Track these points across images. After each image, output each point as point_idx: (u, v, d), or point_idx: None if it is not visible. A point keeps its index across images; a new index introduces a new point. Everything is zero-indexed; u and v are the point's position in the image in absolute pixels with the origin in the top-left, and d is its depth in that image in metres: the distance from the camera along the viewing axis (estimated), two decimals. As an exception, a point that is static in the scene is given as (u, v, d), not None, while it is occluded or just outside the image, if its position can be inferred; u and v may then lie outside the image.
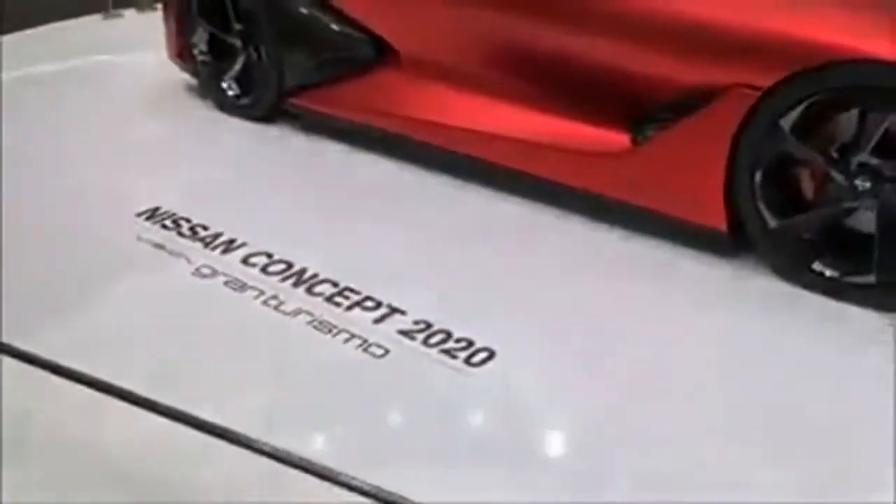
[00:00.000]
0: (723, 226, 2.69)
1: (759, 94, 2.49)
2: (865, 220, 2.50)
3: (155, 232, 3.00)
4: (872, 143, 2.40)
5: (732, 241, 2.71)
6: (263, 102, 3.90)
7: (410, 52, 3.50)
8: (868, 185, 2.44)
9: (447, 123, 3.34)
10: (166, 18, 4.20)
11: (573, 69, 3.03)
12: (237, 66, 3.97)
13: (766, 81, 2.47)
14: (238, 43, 3.95)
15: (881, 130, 2.37)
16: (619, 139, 2.95)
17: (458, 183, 3.32)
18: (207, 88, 4.11)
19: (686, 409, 2.13)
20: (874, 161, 2.42)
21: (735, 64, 2.55)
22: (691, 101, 2.69)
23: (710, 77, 2.62)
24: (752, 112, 2.51)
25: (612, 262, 2.82)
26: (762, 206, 2.60)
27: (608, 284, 2.69)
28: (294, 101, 3.81)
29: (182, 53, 4.17)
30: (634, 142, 2.90)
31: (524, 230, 3.04)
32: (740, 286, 2.65)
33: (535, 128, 3.16)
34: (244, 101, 3.97)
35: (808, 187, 2.61)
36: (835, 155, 2.49)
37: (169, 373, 2.28)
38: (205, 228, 2.99)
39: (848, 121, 2.47)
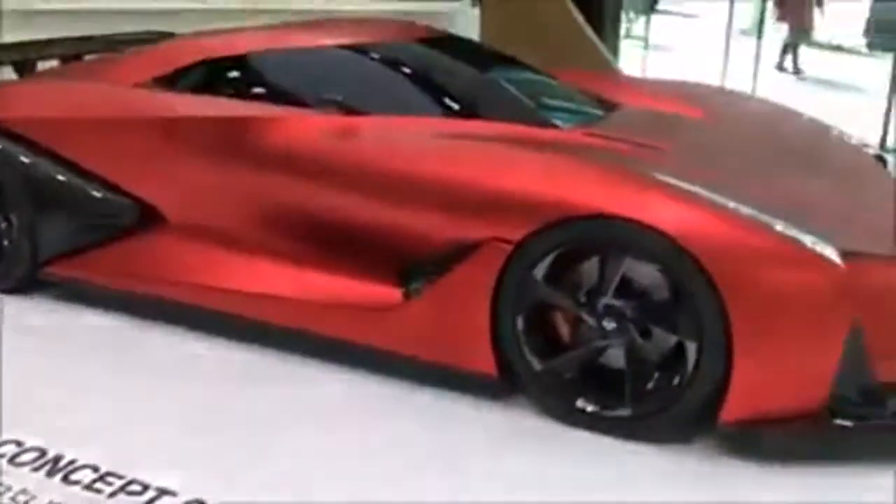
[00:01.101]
0: (493, 371, 2.81)
1: (511, 247, 2.68)
2: (616, 358, 2.71)
3: None
4: (613, 287, 2.64)
5: (504, 384, 2.83)
6: (14, 274, 3.66)
7: (177, 215, 3.45)
8: (614, 324, 2.66)
9: (219, 286, 3.29)
10: None
11: (341, 227, 3.12)
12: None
13: (517, 235, 2.67)
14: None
15: (619, 275, 2.62)
16: (390, 293, 3.03)
17: (231, 344, 3.25)
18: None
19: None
20: (617, 303, 2.65)
21: (488, 220, 2.74)
22: (454, 255, 2.84)
23: (468, 232, 2.79)
24: (508, 263, 2.69)
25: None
26: (526, 351, 2.75)
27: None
28: (51, 270, 3.61)
29: None
30: (406, 295, 3.00)
31: (298, 385, 3.01)
32: (515, 427, 2.75)
33: (307, 286, 3.18)
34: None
35: (564, 330, 2.80)
36: (583, 299, 2.71)
37: None
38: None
39: (591, 268, 2.71)
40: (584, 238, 2.63)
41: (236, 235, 3.33)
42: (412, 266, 3.02)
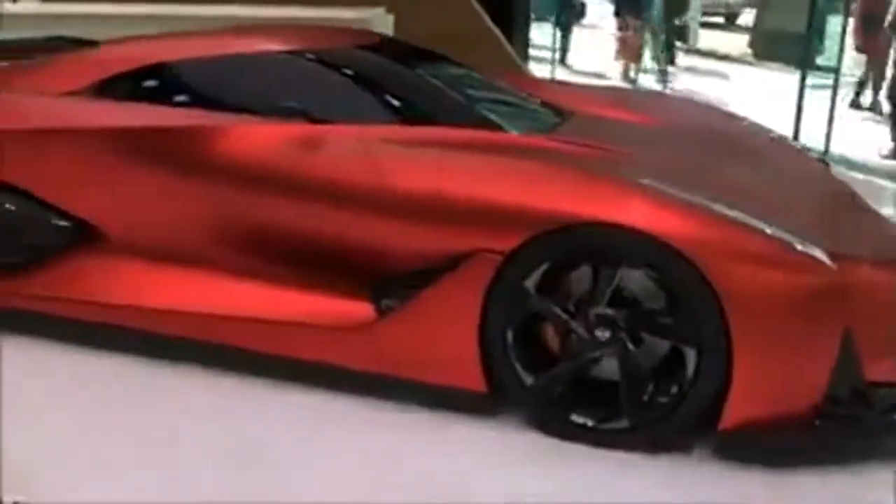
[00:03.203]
0: (482, 387, 2.70)
1: (501, 257, 2.58)
2: (608, 368, 2.65)
3: None
4: (607, 296, 2.58)
5: (493, 400, 2.73)
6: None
7: (119, 233, 3.19)
8: (608, 334, 2.60)
9: (168, 308, 3.06)
10: None
11: (306, 242, 2.95)
12: None
13: (507, 245, 2.58)
14: None
15: (614, 284, 2.56)
16: (361, 309, 2.89)
17: (185, 369, 3.03)
18: None
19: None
20: (610, 312, 2.59)
21: (473, 230, 2.64)
22: (435, 268, 2.72)
23: (449, 243, 2.68)
24: (498, 275, 2.59)
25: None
26: (517, 365, 2.66)
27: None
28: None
29: None
30: (379, 311, 2.86)
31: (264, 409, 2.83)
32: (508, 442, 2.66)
33: (266, 304, 3.00)
34: None
35: (553, 342, 2.73)
36: (572, 309, 2.64)
37: None
38: None
39: (579, 277, 2.64)
40: (579, 246, 2.56)
41: (188, 253, 3.11)
42: (384, 281, 2.89)
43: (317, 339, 2.91)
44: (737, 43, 14.17)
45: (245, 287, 3.04)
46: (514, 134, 3.13)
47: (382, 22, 7.84)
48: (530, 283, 2.60)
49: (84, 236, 3.23)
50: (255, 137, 3.03)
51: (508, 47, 7.76)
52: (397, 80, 3.42)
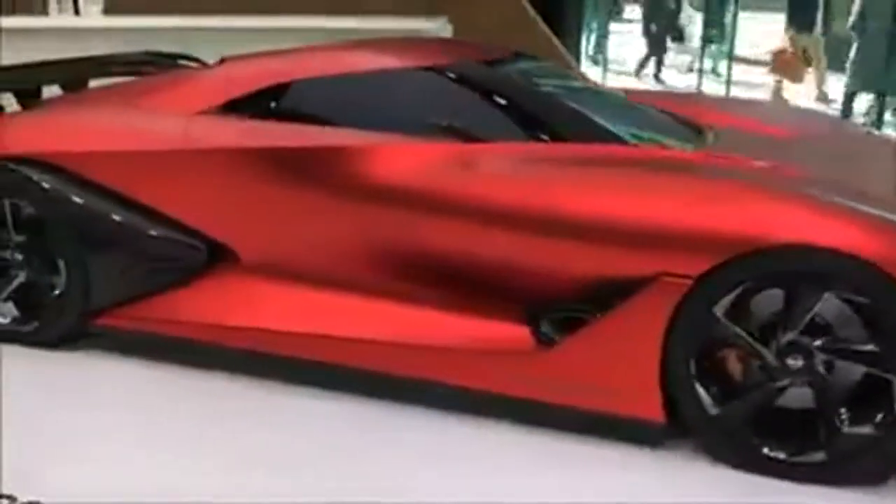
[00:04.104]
0: (660, 417, 2.59)
1: (690, 282, 2.47)
2: (797, 397, 2.52)
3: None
4: (804, 323, 2.45)
5: (669, 430, 2.61)
6: (58, 327, 3.21)
7: (255, 254, 3.09)
8: (800, 363, 2.48)
9: (311, 332, 2.97)
10: None
11: (460, 265, 2.85)
12: (12, 286, 3.26)
13: (695, 269, 2.46)
14: (17, 258, 3.25)
15: (814, 310, 2.44)
16: (519, 335, 2.78)
17: (327, 394, 2.92)
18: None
19: None
20: (804, 339, 2.47)
21: (656, 253, 2.53)
22: (608, 293, 2.61)
23: (625, 267, 2.57)
24: (685, 300, 2.48)
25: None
26: (701, 394, 2.54)
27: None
28: (102, 321, 3.18)
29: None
30: (539, 337, 2.75)
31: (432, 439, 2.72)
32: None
33: (415, 329, 2.90)
34: (28, 327, 3.24)
35: (736, 369, 2.60)
36: (758, 335, 2.52)
37: None
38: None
39: (764, 301, 2.52)
40: (777, 270, 2.44)
41: (330, 276, 3.01)
42: (540, 305, 2.78)
43: (471, 364, 2.81)
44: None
45: (393, 311, 2.94)
46: (677, 150, 3.02)
47: (444, 31, 7.78)
48: (720, 308, 2.48)
49: (216, 258, 3.14)
50: (407, 156, 2.92)
51: (570, 58, 7.67)
52: (540, 96, 3.29)
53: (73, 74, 4.21)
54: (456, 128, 2.91)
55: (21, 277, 3.25)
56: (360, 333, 2.90)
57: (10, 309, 3.28)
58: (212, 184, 3.08)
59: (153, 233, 3.14)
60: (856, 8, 8.84)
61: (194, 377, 3.07)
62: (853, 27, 8.77)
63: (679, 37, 12.05)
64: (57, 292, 3.19)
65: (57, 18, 6.92)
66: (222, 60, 3.53)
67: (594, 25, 12.57)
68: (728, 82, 10.38)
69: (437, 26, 7.34)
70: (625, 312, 2.56)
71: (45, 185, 3.12)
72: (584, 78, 4.29)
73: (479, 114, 3.09)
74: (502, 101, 3.14)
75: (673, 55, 12.08)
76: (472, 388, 2.79)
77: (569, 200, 2.69)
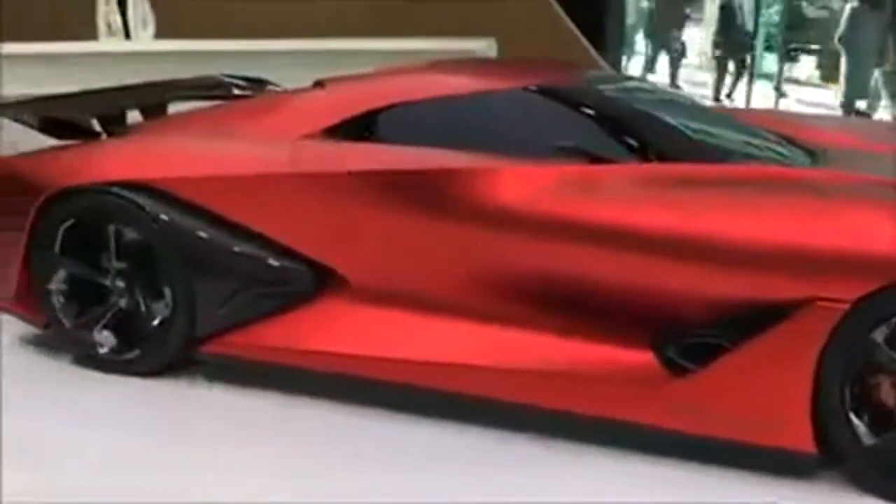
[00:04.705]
0: (810, 447, 2.49)
1: (846, 307, 2.38)
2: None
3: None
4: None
5: (818, 461, 2.52)
6: (161, 355, 3.14)
7: (364, 279, 3.01)
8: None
9: (426, 359, 2.88)
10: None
11: (583, 290, 2.76)
12: (112, 313, 3.19)
13: (852, 294, 2.37)
14: (119, 285, 3.18)
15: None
16: (642, 361, 2.69)
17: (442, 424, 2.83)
18: (70, 342, 3.25)
19: None
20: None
21: (804, 277, 2.44)
22: (749, 318, 2.52)
23: (768, 291, 2.49)
24: (840, 326, 2.39)
25: None
26: (856, 423, 2.45)
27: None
28: (208, 348, 3.11)
29: (25, 301, 3.29)
30: (667, 364, 2.66)
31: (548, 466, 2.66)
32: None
33: (537, 355, 2.81)
34: (130, 355, 3.17)
35: (889, 396, 2.51)
36: (910, 360, 2.43)
37: None
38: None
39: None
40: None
41: (445, 301, 2.92)
42: (666, 331, 2.69)
43: (596, 391, 2.72)
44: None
45: (511, 337, 2.86)
46: (807, 169, 2.94)
47: (490, 52, 7.73)
48: (879, 334, 2.39)
49: (324, 283, 3.07)
50: (526, 179, 2.85)
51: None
52: (650, 117, 3.21)
53: (153, 99, 4.16)
54: (579, 149, 2.84)
55: (121, 304, 3.18)
56: (479, 361, 2.82)
57: (108, 337, 3.19)
58: (320, 208, 3.01)
59: (260, 258, 3.07)
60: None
61: (312, 406, 2.98)
62: None
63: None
64: (159, 319, 3.12)
65: (107, 43, 6.87)
66: (318, 83, 3.46)
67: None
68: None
69: (484, 46, 7.30)
70: (775, 338, 2.47)
71: (153, 211, 3.05)
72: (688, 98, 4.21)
73: (590, 134, 3.01)
74: (613, 122, 3.06)
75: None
76: (598, 415, 2.70)
77: (701, 223, 2.61)
